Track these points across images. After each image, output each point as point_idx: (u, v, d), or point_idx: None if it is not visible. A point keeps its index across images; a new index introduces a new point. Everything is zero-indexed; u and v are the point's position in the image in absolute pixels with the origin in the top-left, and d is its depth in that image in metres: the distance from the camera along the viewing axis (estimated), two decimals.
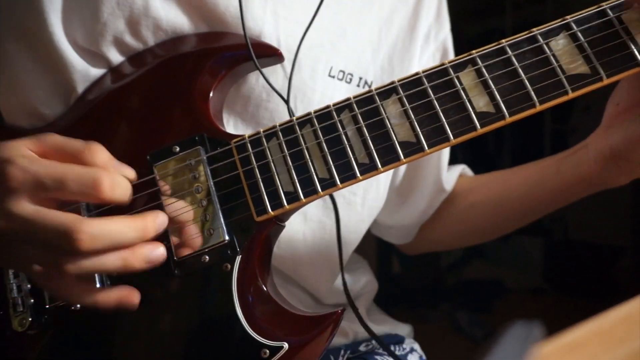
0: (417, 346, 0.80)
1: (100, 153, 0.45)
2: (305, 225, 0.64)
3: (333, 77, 0.63)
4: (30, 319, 0.50)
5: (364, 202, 0.68)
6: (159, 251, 0.45)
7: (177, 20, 0.57)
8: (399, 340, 0.78)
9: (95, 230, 0.41)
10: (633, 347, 0.24)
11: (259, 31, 0.58)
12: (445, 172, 0.78)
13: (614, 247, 2.31)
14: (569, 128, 2.48)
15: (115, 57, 0.57)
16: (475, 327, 2.19)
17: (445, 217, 0.80)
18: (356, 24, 0.65)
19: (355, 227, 0.69)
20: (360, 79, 0.65)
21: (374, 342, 0.74)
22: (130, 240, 0.44)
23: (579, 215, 2.43)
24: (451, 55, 0.76)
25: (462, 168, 0.82)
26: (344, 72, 0.63)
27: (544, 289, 2.46)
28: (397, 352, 0.75)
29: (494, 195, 0.74)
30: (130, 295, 0.46)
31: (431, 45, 0.73)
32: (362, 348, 0.73)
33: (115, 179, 0.43)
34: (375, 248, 2.30)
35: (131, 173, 0.48)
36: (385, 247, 2.37)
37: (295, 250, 0.64)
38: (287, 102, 0.58)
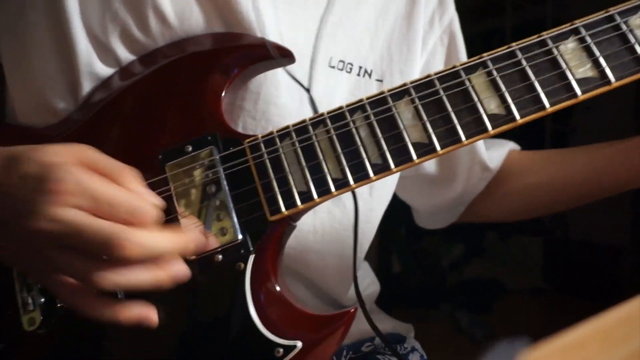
0: (418, 345, 0.80)
1: (135, 180, 0.44)
2: (315, 218, 0.64)
3: (333, 67, 0.63)
4: (41, 318, 0.50)
5: (371, 190, 0.68)
6: (185, 270, 0.45)
7: (190, 18, 0.57)
8: (400, 339, 0.78)
9: (143, 240, 0.41)
10: (633, 347, 0.24)
11: (262, 24, 0.58)
12: (484, 150, 0.76)
13: (614, 247, 2.31)
14: (569, 128, 2.48)
15: (123, 53, 0.57)
16: (476, 327, 2.19)
17: (499, 195, 0.78)
18: (352, 13, 0.65)
19: (367, 216, 0.69)
20: (360, 67, 0.65)
21: (376, 342, 0.74)
22: (171, 254, 0.44)
23: (579, 215, 2.43)
24: (459, 39, 0.75)
25: (511, 145, 0.80)
26: (344, 62, 0.64)
27: (544, 289, 2.46)
28: (398, 351, 0.76)
29: (555, 178, 0.72)
30: (151, 313, 0.46)
31: (436, 29, 0.73)
32: (364, 348, 0.73)
33: (148, 208, 0.43)
34: (375, 248, 2.30)
35: (160, 201, 0.46)
36: (385, 247, 2.37)
37: (306, 245, 0.64)
38: (308, 90, 0.59)
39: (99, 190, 0.41)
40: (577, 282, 2.30)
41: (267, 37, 0.58)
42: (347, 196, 0.64)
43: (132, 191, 0.43)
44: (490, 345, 0.22)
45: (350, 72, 0.64)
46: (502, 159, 0.78)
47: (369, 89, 0.66)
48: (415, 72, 0.69)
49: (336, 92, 0.63)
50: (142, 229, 0.42)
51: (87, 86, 0.57)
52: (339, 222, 0.65)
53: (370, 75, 0.66)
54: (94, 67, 0.56)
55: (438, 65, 0.73)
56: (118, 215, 0.41)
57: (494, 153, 0.77)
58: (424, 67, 0.72)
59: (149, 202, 0.44)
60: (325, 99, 0.62)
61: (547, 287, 2.47)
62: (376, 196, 0.68)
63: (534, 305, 2.37)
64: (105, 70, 0.57)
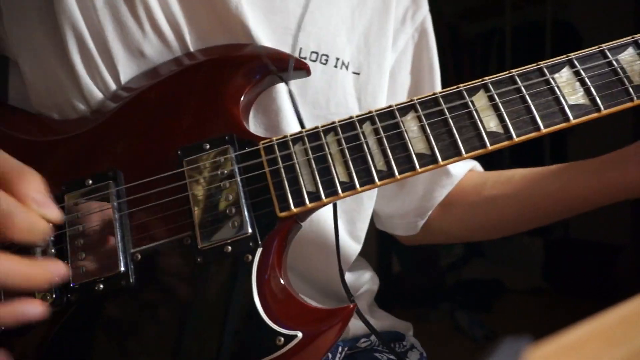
0: (417, 343, 0.80)
1: (26, 184, 0.43)
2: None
3: (305, 58, 0.64)
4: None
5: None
6: (33, 310, 0.42)
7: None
8: (399, 337, 0.78)
9: None
10: (633, 347, 0.24)
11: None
12: None
13: (614, 246, 2.31)
14: (568, 129, 2.48)
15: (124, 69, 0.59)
16: (475, 327, 2.19)
17: (460, 209, 0.78)
18: (326, 6, 0.66)
19: (356, 207, 0.70)
20: (337, 59, 0.66)
21: (372, 338, 0.74)
22: (11, 285, 0.41)
23: (579, 215, 2.42)
24: (431, 37, 0.75)
25: (474, 163, 0.81)
26: (317, 54, 0.65)
27: (544, 288, 2.46)
28: (397, 349, 0.76)
29: (519, 191, 0.72)
30: (29, 309, 0.43)
31: (408, 27, 0.73)
32: (360, 344, 0.74)
33: (32, 221, 0.42)
34: (375, 248, 2.31)
35: (54, 213, 0.44)
36: (385, 247, 2.37)
37: (299, 239, 0.64)
38: (287, 83, 0.60)
39: None
40: (577, 281, 2.30)
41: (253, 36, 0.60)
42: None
43: (19, 197, 0.42)
44: (495, 344, 0.22)
45: (325, 63, 0.65)
46: (465, 171, 0.78)
47: (346, 80, 0.67)
48: (388, 68, 0.70)
49: (309, 83, 0.64)
50: (11, 242, 0.41)
51: (95, 92, 0.59)
52: (328, 217, 0.66)
53: (347, 68, 0.67)
54: (91, 84, 0.59)
55: (407, 63, 0.74)
56: None
57: (457, 165, 0.77)
58: (395, 64, 0.73)
59: (31, 208, 0.42)
60: (296, 90, 0.63)
61: (547, 287, 2.47)
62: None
63: (534, 305, 2.37)
64: (106, 84, 0.59)
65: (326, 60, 0.65)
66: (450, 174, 0.76)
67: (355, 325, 0.73)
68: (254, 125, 0.63)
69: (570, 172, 0.66)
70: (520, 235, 2.60)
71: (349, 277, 0.76)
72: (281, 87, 0.62)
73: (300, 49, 0.64)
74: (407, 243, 0.86)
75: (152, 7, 0.59)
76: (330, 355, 0.70)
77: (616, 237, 2.29)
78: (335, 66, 0.66)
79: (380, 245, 2.32)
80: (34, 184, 0.43)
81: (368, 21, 0.69)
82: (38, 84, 0.61)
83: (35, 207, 0.43)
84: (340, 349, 0.71)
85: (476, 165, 0.80)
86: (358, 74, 0.68)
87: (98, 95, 0.59)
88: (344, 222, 0.71)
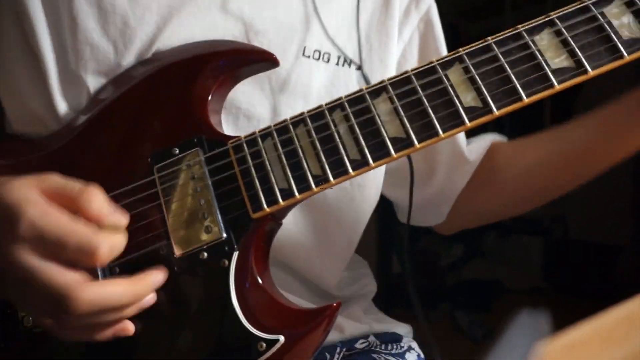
0: (415, 345, 0.80)
1: (96, 202, 0.45)
2: (294, 210, 0.63)
3: (308, 57, 0.63)
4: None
5: (351, 181, 0.67)
6: (148, 300, 0.48)
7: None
8: (396, 338, 0.78)
9: (92, 296, 0.42)
10: (633, 347, 0.24)
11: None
12: (464, 145, 0.74)
13: (614, 247, 2.31)
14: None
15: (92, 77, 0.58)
16: (475, 327, 2.19)
17: (493, 187, 0.76)
18: (327, 3, 0.65)
19: (350, 206, 0.69)
20: (339, 57, 0.65)
21: (370, 339, 0.74)
22: (126, 305, 0.45)
23: (579, 215, 2.43)
24: (437, 26, 0.74)
25: (492, 137, 0.77)
26: (320, 52, 0.64)
27: (544, 288, 2.46)
28: (394, 351, 0.75)
29: (551, 155, 0.70)
30: (126, 327, 0.48)
31: (413, 17, 0.72)
32: (358, 345, 0.73)
33: (112, 243, 0.44)
34: (375, 248, 2.31)
35: (124, 219, 0.47)
36: (385, 247, 2.38)
37: (289, 236, 0.64)
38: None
39: (47, 230, 0.42)
40: (577, 282, 2.30)
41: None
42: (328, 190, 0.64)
43: (92, 215, 0.44)
44: (511, 319, 0.22)
45: (328, 61, 0.64)
46: (483, 150, 0.75)
47: (349, 78, 0.65)
48: (394, 61, 0.69)
49: (312, 82, 0.63)
50: (99, 284, 0.44)
51: (62, 104, 0.59)
52: (322, 214, 0.65)
53: (350, 65, 0.66)
54: (63, 87, 0.59)
55: (414, 55, 0.73)
56: (67, 256, 0.42)
57: (474, 145, 0.75)
58: (401, 57, 0.72)
59: (107, 232, 0.44)
60: (301, 89, 0.63)
61: (547, 287, 2.47)
62: (356, 185, 0.67)
63: (533, 305, 2.36)
64: (74, 92, 0.59)
65: (328, 59, 0.64)
66: (467, 161, 0.74)
67: (352, 327, 0.73)
68: (228, 127, 0.62)
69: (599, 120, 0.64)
70: (520, 235, 2.61)
71: (346, 278, 0.76)
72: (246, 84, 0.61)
73: (304, 47, 0.63)
74: (446, 232, 0.84)
75: (128, 26, 0.58)
76: (328, 356, 0.69)
77: (616, 238, 2.28)
78: (338, 63, 0.65)
79: (380, 245, 2.32)
80: (99, 198, 0.45)
81: (369, 16, 0.68)
82: (12, 98, 0.61)
83: (111, 222, 0.45)
84: (338, 349, 0.71)
85: (497, 138, 0.77)
86: (361, 69, 0.67)
87: (70, 108, 0.59)
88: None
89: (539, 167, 0.71)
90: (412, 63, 0.73)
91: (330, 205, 0.66)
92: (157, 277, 0.48)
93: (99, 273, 0.50)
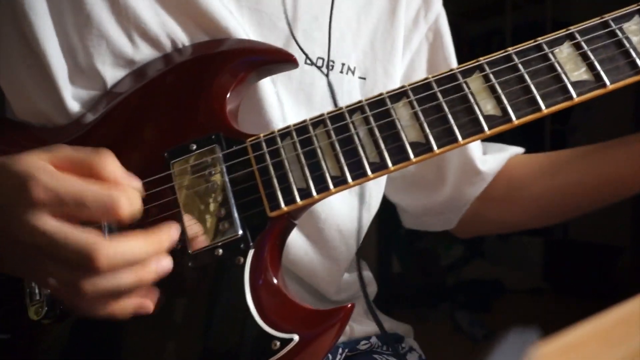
0: (416, 345, 0.80)
1: (110, 165, 0.45)
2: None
3: (311, 64, 0.63)
4: (46, 309, 0.51)
5: (352, 190, 0.67)
6: (167, 262, 0.46)
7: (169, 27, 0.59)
8: (397, 339, 0.78)
9: (113, 251, 0.42)
10: (633, 347, 0.24)
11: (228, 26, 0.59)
12: (478, 155, 0.74)
13: (614, 247, 2.31)
14: (568, 128, 2.49)
15: (110, 70, 0.58)
16: (475, 327, 2.19)
17: (518, 202, 0.76)
18: (329, 10, 0.64)
19: (351, 215, 0.69)
20: (343, 65, 0.65)
21: (372, 340, 0.74)
22: (147, 257, 0.44)
23: (578, 216, 2.41)
24: (446, 36, 0.73)
25: (513, 150, 0.76)
26: (323, 60, 0.64)
27: (544, 288, 2.46)
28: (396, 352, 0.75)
29: (569, 182, 0.69)
30: (145, 303, 0.47)
31: (421, 27, 0.72)
32: (360, 346, 0.73)
33: (130, 197, 0.43)
34: (375, 248, 2.31)
35: (138, 183, 0.47)
36: (385, 247, 2.37)
37: (293, 243, 0.64)
38: None
39: (63, 190, 0.42)
40: (577, 282, 2.30)
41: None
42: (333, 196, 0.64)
43: (107, 178, 0.44)
44: (501, 337, 0.22)
45: (332, 69, 0.64)
46: (499, 163, 0.75)
47: (352, 86, 0.65)
48: (398, 71, 0.69)
49: (314, 90, 0.63)
50: (117, 239, 0.43)
51: (71, 101, 0.58)
52: (323, 221, 0.65)
53: (353, 73, 0.66)
54: (74, 84, 0.58)
55: (422, 64, 0.73)
56: (89, 214, 0.42)
57: (489, 157, 0.75)
58: (409, 66, 0.72)
59: (124, 187, 0.44)
60: (303, 96, 0.63)
61: (547, 287, 2.47)
62: (358, 195, 0.68)
63: (533, 305, 2.37)
64: (88, 88, 0.59)
65: (332, 66, 0.64)
66: (479, 172, 0.74)
67: (355, 327, 0.73)
68: (245, 124, 0.62)
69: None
70: (520, 235, 2.60)
71: (347, 279, 0.76)
72: (266, 83, 0.61)
73: (307, 54, 0.63)
74: (462, 236, 0.84)
75: (142, 17, 0.58)
76: (330, 357, 0.69)
77: (616, 238, 2.28)
78: (341, 72, 0.65)
79: (380, 245, 2.32)
80: (113, 162, 0.45)
81: (374, 24, 0.68)
82: (17, 96, 0.60)
83: (127, 183, 0.45)
84: (340, 350, 0.71)
85: (516, 151, 0.77)
86: (364, 78, 0.67)
87: (82, 105, 0.58)
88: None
89: (574, 187, 0.70)
90: (421, 73, 0.73)
91: (331, 213, 0.66)
92: (171, 227, 0.47)
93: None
